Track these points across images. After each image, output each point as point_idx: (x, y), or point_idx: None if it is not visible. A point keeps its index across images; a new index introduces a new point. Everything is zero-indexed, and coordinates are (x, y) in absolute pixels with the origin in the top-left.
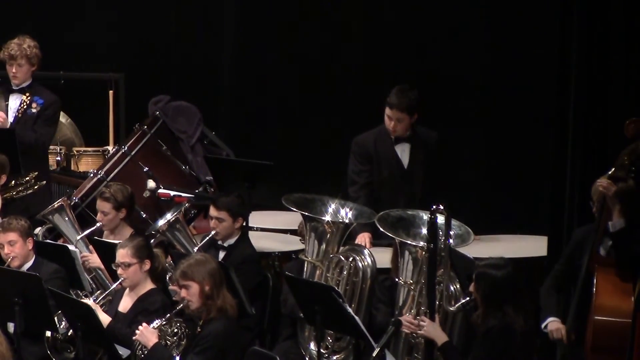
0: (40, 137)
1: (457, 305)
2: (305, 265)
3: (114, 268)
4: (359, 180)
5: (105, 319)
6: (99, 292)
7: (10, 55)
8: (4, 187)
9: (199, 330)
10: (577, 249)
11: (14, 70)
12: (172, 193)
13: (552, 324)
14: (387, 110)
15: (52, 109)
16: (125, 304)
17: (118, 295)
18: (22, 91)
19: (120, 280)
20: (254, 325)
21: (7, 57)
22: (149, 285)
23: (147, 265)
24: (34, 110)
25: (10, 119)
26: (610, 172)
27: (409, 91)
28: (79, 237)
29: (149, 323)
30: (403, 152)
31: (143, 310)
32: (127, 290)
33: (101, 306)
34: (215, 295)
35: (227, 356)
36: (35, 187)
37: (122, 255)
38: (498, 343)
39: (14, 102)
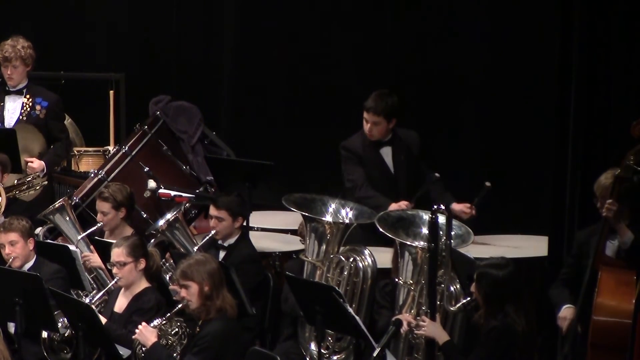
0: (64, 138)
1: (457, 305)
2: (306, 265)
3: (109, 267)
4: (362, 181)
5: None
6: (94, 292)
7: (5, 58)
8: (5, 187)
9: (198, 330)
10: (584, 250)
11: (9, 72)
12: (173, 193)
13: (564, 311)
14: (364, 114)
15: (59, 107)
16: (120, 304)
17: (113, 295)
18: (19, 92)
19: (115, 280)
20: (255, 325)
21: (1, 59)
22: (143, 284)
23: (142, 264)
24: (38, 112)
25: (9, 120)
26: (616, 173)
27: (387, 96)
28: (79, 237)
29: (148, 322)
30: (387, 155)
31: (137, 310)
32: (122, 290)
33: (97, 307)
34: (215, 296)
35: (226, 357)
36: (38, 187)
37: (117, 254)
38: (500, 343)
39: (12, 103)
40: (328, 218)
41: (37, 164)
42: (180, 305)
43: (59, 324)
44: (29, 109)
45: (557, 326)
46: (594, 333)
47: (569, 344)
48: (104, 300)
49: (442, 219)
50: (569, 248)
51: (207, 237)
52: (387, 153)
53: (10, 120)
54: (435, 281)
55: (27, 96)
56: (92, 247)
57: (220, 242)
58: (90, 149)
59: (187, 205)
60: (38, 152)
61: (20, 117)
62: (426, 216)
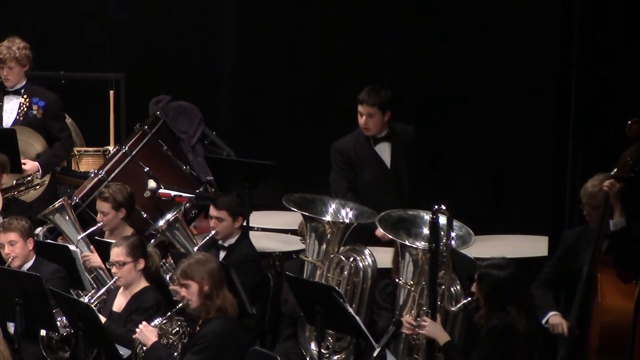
0: (64, 138)
1: (458, 306)
2: (306, 265)
3: (109, 267)
4: (339, 190)
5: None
6: (93, 291)
7: (0, 59)
8: (4, 187)
9: (198, 329)
10: (570, 252)
11: (5, 74)
12: (173, 193)
13: (554, 318)
14: (359, 107)
15: (57, 106)
16: (119, 303)
17: (112, 294)
18: (17, 92)
19: (114, 279)
20: (255, 326)
21: None
22: (142, 284)
23: (141, 264)
24: (35, 112)
25: (7, 120)
26: (613, 172)
27: (380, 88)
28: (79, 237)
29: (148, 321)
30: (384, 151)
31: (137, 309)
32: (121, 289)
33: (95, 306)
34: (215, 295)
35: (225, 356)
36: (37, 186)
37: (117, 254)
38: (501, 343)
39: (10, 104)
40: (328, 218)
41: (29, 165)
42: (180, 305)
43: (57, 323)
44: (26, 109)
45: None
46: (602, 336)
47: (569, 347)
48: (102, 300)
49: (443, 220)
50: None
51: (207, 237)
52: (384, 149)
53: (7, 120)
54: (436, 281)
55: (25, 96)
56: (92, 247)
57: (220, 242)
58: (90, 149)
59: (187, 205)
60: (36, 154)
61: (18, 117)
62: (427, 217)
